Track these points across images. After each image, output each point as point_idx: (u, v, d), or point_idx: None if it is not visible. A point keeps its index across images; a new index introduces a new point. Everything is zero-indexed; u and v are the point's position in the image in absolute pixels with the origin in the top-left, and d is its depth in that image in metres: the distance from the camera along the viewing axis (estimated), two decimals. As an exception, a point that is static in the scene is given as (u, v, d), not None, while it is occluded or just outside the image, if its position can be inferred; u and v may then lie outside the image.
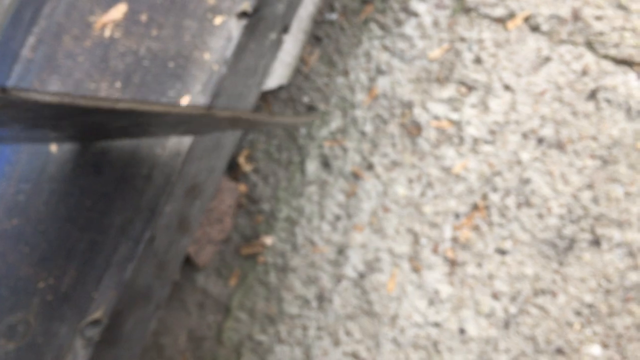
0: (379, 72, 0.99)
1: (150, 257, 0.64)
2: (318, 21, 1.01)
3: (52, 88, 0.65)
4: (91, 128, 0.53)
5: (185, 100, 0.64)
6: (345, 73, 1.00)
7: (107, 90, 0.65)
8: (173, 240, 0.67)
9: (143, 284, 0.65)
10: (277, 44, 0.73)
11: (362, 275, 1.02)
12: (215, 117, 0.50)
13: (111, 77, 0.65)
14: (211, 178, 0.71)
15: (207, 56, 0.65)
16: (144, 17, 0.66)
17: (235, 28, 0.65)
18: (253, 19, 0.66)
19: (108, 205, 0.63)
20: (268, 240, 1.07)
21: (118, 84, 0.65)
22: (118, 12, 0.66)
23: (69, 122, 0.48)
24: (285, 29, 0.73)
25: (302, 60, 1.02)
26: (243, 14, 0.65)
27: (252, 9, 0.65)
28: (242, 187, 1.07)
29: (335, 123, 1.02)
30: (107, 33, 0.66)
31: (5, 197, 0.64)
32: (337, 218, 1.02)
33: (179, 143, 0.63)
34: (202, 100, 0.64)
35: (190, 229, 0.69)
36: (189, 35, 0.65)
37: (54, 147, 0.65)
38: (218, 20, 0.65)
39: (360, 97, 1.00)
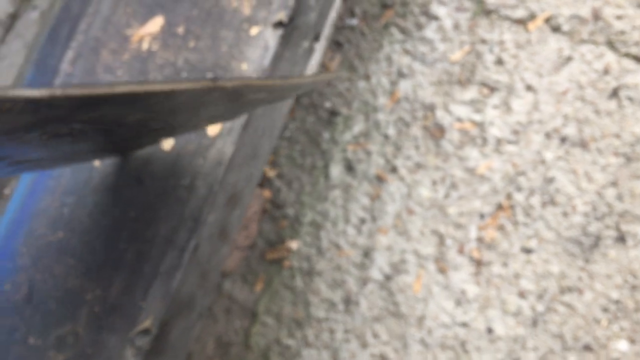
0: (401, 75, 1.00)
1: (194, 266, 0.65)
2: (339, 27, 1.02)
3: (92, 101, 0.66)
4: (111, 127, 0.53)
5: (224, 111, 0.65)
6: (367, 77, 1.01)
7: (146, 103, 0.65)
8: (214, 249, 0.68)
9: (187, 293, 0.65)
10: (309, 52, 0.73)
11: (388, 278, 1.02)
12: (223, 88, 0.49)
13: (150, 89, 0.66)
14: (249, 186, 0.71)
15: (244, 66, 0.65)
16: (180, 30, 0.67)
17: (272, 38, 0.66)
18: (288, 29, 0.67)
19: (152, 215, 0.63)
20: (293, 244, 1.08)
21: (157, 96, 0.66)
22: (155, 25, 0.67)
23: (80, 121, 0.48)
24: (316, 37, 0.74)
25: (323, 66, 1.03)
26: (279, 24, 0.66)
27: (287, 19, 0.66)
28: (266, 193, 1.08)
29: (358, 127, 1.02)
30: (145, 46, 0.67)
31: (49, 210, 0.65)
32: (362, 221, 1.03)
33: (221, 152, 0.64)
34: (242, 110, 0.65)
35: (230, 237, 0.70)
36: (225, 46, 0.66)
37: (96, 161, 0.66)
38: (254, 30, 0.66)
39: (383, 100, 1.01)
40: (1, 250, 0.64)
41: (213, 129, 0.65)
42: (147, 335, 0.61)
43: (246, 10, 0.66)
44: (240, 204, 0.70)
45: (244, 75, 0.65)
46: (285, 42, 0.67)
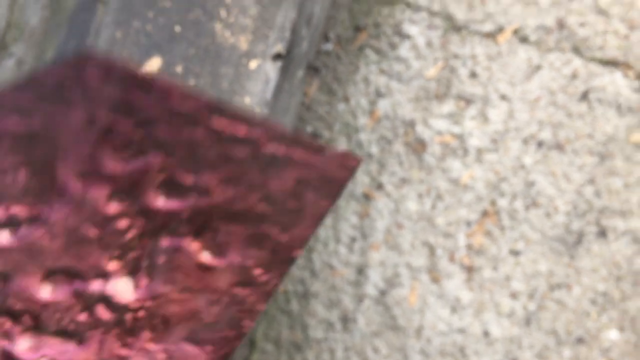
0: (379, 95, 1.03)
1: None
2: (314, 52, 1.04)
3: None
4: None
5: (232, 145, 0.67)
6: (346, 99, 1.04)
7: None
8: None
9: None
10: (303, 81, 0.76)
11: (383, 293, 1.05)
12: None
13: (156, 129, 0.67)
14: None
15: (247, 100, 0.67)
16: (179, 69, 0.68)
17: (272, 70, 0.68)
18: (286, 60, 0.69)
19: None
20: (286, 269, 1.09)
21: (164, 136, 0.66)
22: (153, 65, 0.68)
23: None
24: (309, 66, 0.76)
25: (302, 92, 1.06)
26: (277, 56, 0.68)
27: (285, 51, 0.68)
28: (256, 221, 1.09)
29: (341, 148, 1.05)
30: (146, 88, 0.68)
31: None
32: (353, 240, 1.05)
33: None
34: (248, 142, 0.67)
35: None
36: (226, 82, 0.68)
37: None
38: (253, 64, 0.68)
39: (363, 120, 1.04)
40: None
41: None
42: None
43: (243, 45, 0.68)
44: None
45: (251, 111, 0.67)
46: (284, 73, 0.69)
